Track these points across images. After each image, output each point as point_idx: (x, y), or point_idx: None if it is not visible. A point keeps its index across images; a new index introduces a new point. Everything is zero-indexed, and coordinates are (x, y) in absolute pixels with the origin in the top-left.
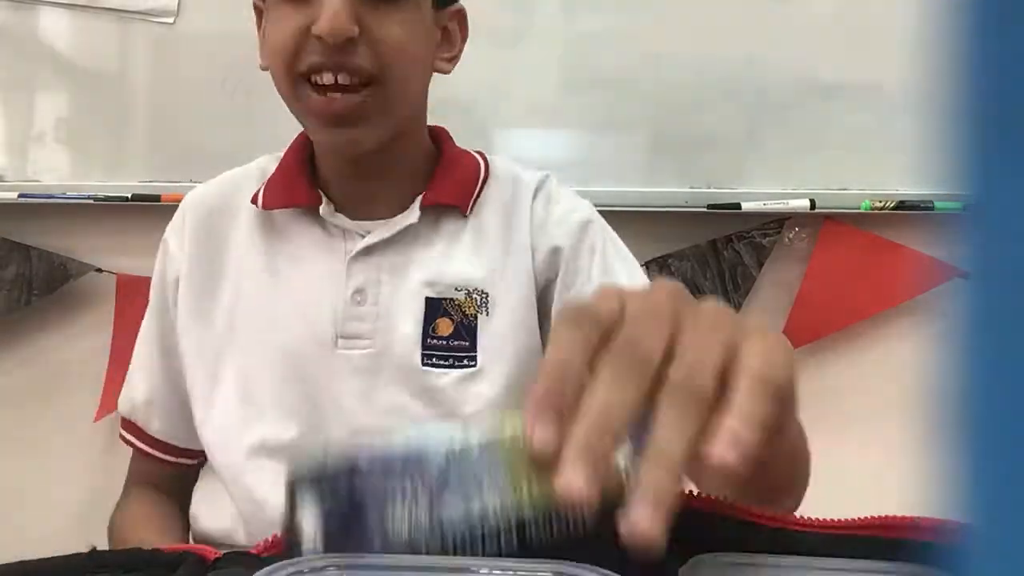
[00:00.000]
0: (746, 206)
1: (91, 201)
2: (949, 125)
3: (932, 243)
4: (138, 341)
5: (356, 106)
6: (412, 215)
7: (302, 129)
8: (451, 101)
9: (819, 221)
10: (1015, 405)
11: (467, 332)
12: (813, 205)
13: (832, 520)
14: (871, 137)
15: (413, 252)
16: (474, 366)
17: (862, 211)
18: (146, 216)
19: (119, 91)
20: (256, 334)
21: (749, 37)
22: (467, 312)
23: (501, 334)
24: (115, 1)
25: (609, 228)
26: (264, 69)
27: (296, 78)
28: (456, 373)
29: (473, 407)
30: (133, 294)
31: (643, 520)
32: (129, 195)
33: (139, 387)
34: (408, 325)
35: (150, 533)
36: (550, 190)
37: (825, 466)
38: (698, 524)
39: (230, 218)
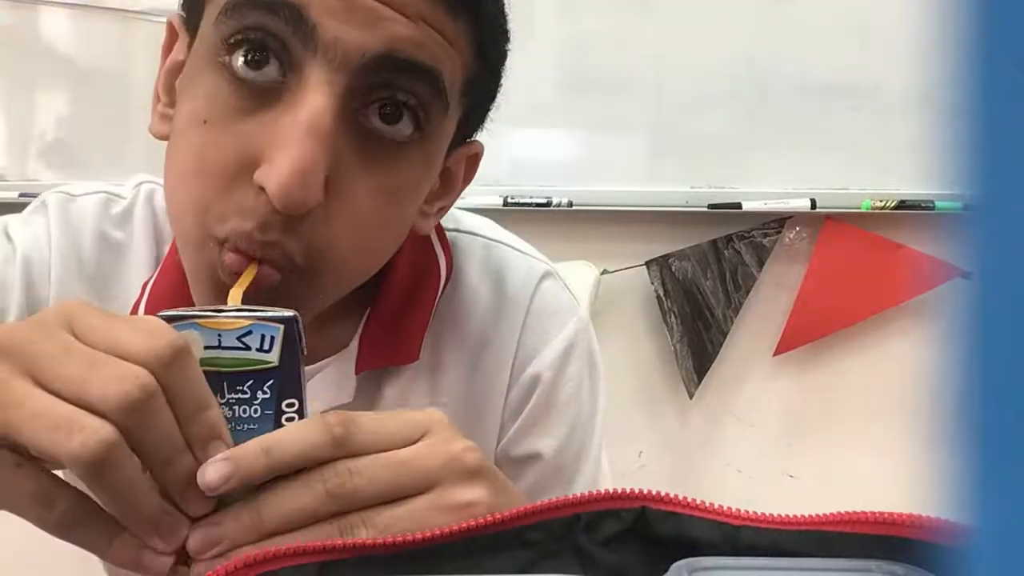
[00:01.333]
0: (747, 206)
1: None
2: (949, 125)
3: (932, 243)
4: None
5: (271, 287)
6: (345, 389)
7: None
8: None
9: (820, 221)
10: (1016, 405)
11: None
12: (814, 205)
13: (812, 517)
14: (871, 137)
15: None
16: None
17: (863, 211)
18: None
19: (119, 91)
20: None
21: (749, 37)
22: None
23: None
24: (115, 1)
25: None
26: (160, 138)
27: (204, 236)
28: None
29: None
30: None
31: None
32: None
33: None
34: None
35: None
36: (543, 307)
37: (825, 466)
38: (675, 527)
39: (113, 298)
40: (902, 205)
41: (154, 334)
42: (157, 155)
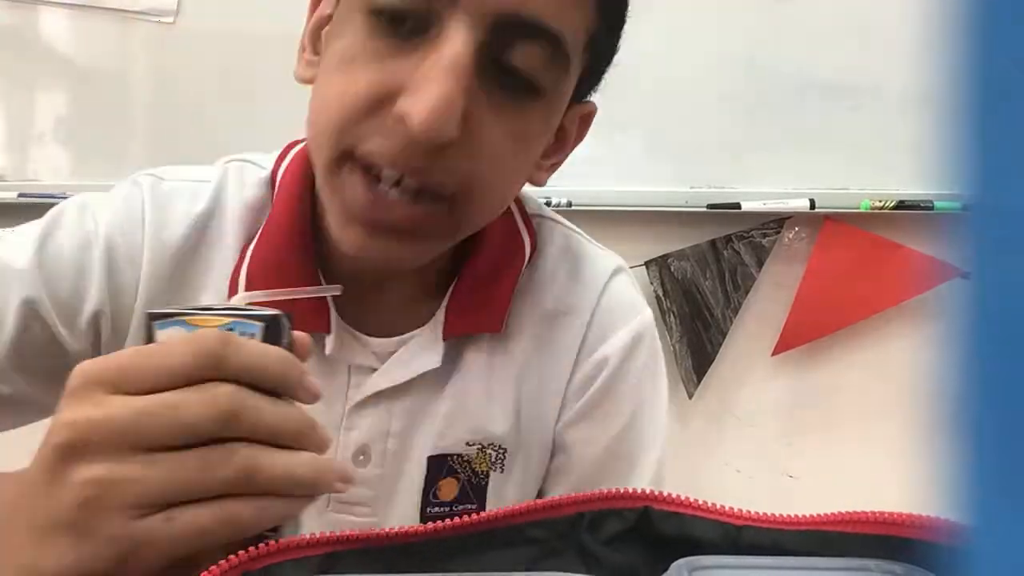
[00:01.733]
0: (746, 206)
1: None
2: (949, 125)
3: (932, 243)
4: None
5: (414, 219)
6: (433, 355)
7: (300, 145)
8: None
9: (819, 221)
10: (1015, 405)
11: (475, 492)
12: (813, 205)
13: (812, 516)
14: (871, 137)
15: (431, 400)
16: None
17: (862, 211)
18: None
19: (119, 91)
20: None
21: (749, 37)
22: (477, 469)
23: (514, 492)
24: (115, 1)
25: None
26: (304, 82)
27: (343, 152)
28: None
29: None
30: None
31: None
32: None
33: None
34: (410, 490)
35: None
36: (616, 297)
37: (824, 466)
38: (677, 527)
39: (208, 271)
40: (901, 205)
41: (193, 342)
42: (157, 155)
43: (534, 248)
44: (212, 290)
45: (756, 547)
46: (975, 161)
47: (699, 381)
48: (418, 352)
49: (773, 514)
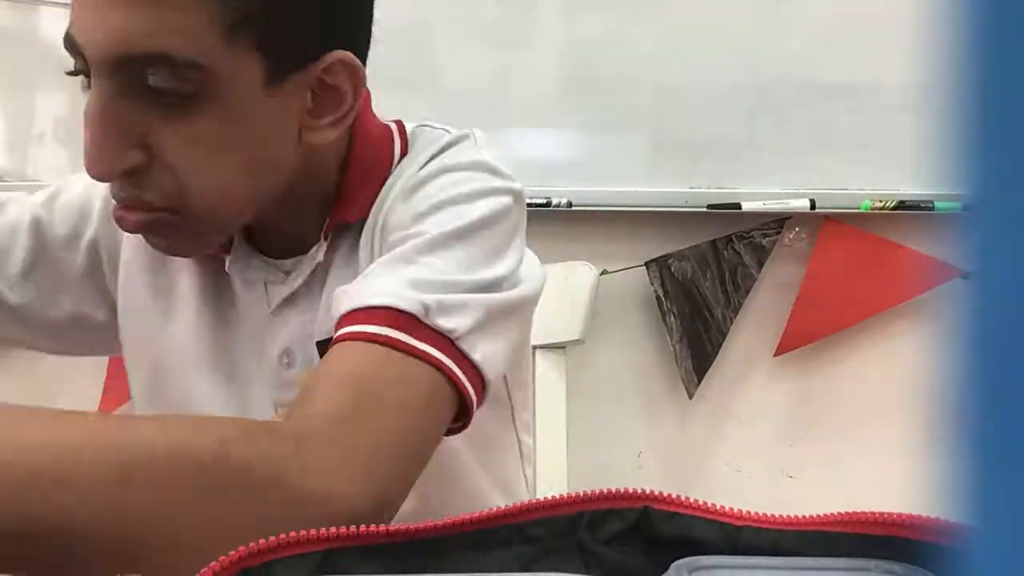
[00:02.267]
0: (746, 206)
1: None
2: (949, 125)
3: (932, 243)
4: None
5: (144, 225)
6: (320, 249)
7: None
8: (451, 101)
9: (819, 221)
10: (1016, 405)
11: None
12: (813, 205)
13: (812, 517)
14: (871, 137)
15: (332, 290)
16: None
17: (862, 211)
18: None
19: None
20: (188, 405)
21: (749, 37)
22: None
23: None
24: None
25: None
26: None
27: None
28: None
29: None
30: None
31: None
32: None
33: None
34: None
35: None
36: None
37: (825, 466)
38: (677, 527)
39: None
40: (901, 205)
41: None
42: None
43: (404, 151)
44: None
45: (756, 547)
46: (975, 161)
47: (699, 381)
48: (309, 257)
49: (773, 514)
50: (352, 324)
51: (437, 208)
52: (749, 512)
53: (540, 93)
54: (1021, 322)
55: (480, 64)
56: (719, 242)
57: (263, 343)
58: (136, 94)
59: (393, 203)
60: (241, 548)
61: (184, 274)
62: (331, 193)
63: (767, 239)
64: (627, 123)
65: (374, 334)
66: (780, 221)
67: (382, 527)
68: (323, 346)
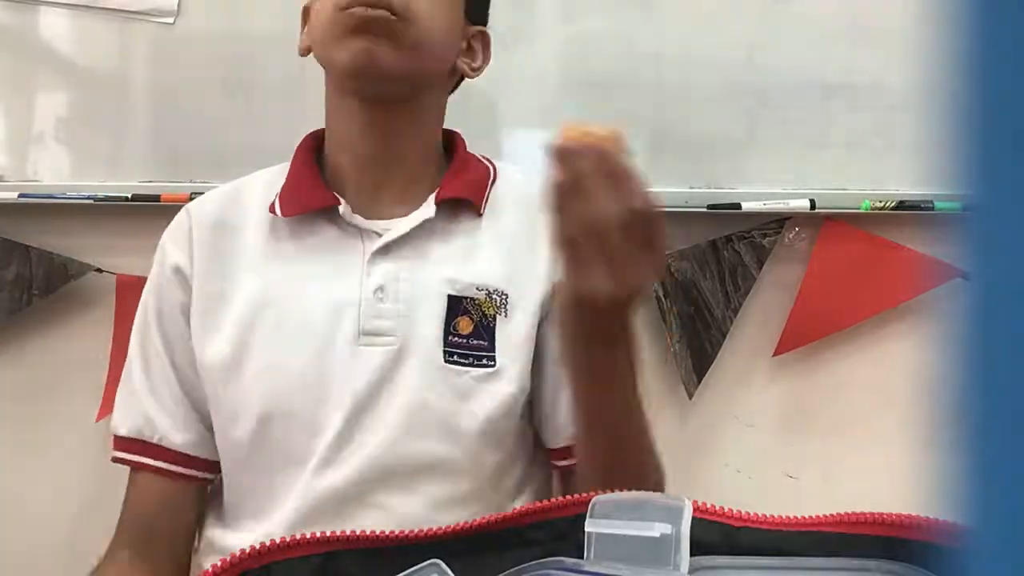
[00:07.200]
0: (746, 206)
1: (91, 201)
2: (949, 125)
3: (932, 243)
4: (132, 358)
5: (378, 19)
6: (428, 210)
7: (306, 133)
8: (451, 100)
9: (819, 221)
10: (1015, 405)
11: (486, 332)
12: (813, 205)
13: (812, 517)
14: (871, 137)
15: (431, 249)
16: (493, 366)
17: (862, 211)
18: (146, 216)
19: (119, 91)
20: (278, 338)
21: (749, 37)
22: (486, 312)
23: (517, 337)
24: (115, 1)
25: None
26: (303, 53)
27: (336, 16)
28: (476, 372)
29: (492, 403)
30: (133, 294)
31: None
32: (129, 195)
33: (149, 403)
34: (430, 322)
35: None
36: None
37: (825, 466)
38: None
39: (236, 231)
40: (901, 205)
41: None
42: (157, 155)
43: (495, 170)
44: (251, 228)
45: (755, 548)
46: (975, 161)
47: (699, 381)
48: (416, 215)
49: (773, 515)
50: None
51: None
52: (749, 513)
53: (540, 93)
54: (1021, 322)
55: None
56: (719, 242)
57: (357, 281)
58: None
59: (514, 208)
60: (241, 551)
61: (245, 256)
62: (432, 178)
63: (767, 239)
64: (627, 123)
65: None
66: (780, 221)
67: (382, 532)
68: (452, 299)
